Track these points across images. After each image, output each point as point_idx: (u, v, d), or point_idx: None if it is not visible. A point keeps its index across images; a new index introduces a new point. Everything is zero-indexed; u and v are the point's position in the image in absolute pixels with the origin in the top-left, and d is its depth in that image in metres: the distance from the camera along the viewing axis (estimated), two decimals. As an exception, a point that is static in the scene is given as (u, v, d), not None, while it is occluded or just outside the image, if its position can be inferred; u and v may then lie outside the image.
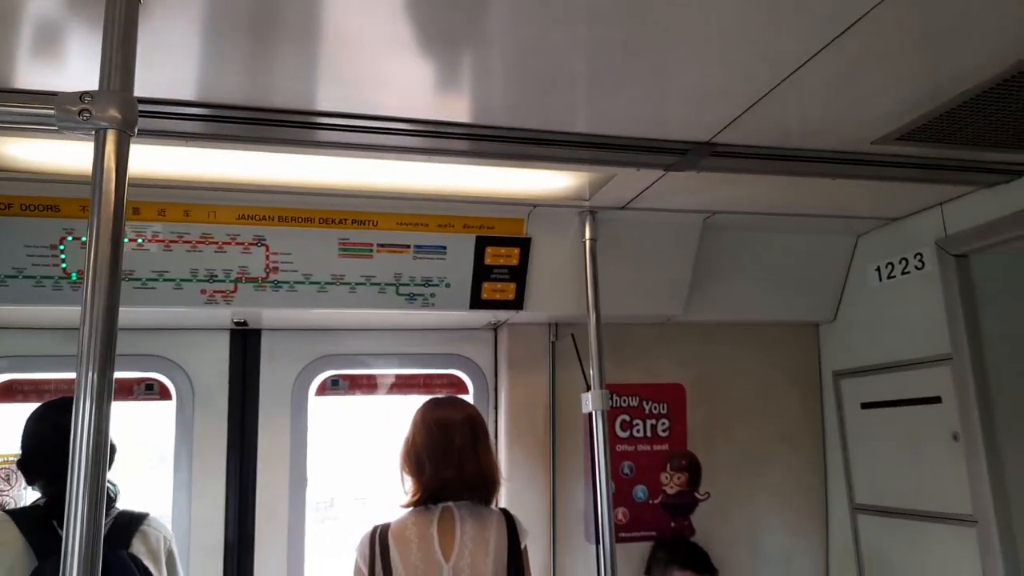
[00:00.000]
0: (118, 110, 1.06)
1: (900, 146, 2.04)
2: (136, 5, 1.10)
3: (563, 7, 1.34)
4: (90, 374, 1.02)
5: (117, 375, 2.83)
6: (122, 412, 2.79)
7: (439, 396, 2.44)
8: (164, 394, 2.78)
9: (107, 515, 2.01)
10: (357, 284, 2.45)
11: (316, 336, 2.90)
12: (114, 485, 2.08)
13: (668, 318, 2.95)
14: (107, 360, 1.04)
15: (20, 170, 2.01)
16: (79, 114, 1.04)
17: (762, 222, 2.75)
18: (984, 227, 2.40)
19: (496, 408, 3.00)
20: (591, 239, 2.52)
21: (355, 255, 2.42)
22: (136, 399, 2.77)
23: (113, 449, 2.09)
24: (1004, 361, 2.48)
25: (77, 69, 1.48)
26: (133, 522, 2.04)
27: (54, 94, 1.05)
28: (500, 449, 2.92)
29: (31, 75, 1.52)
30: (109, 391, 1.04)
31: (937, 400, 2.59)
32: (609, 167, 2.14)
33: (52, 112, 1.04)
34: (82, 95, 1.04)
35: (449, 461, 2.24)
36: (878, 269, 2.88)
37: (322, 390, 2.92)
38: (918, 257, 2.67)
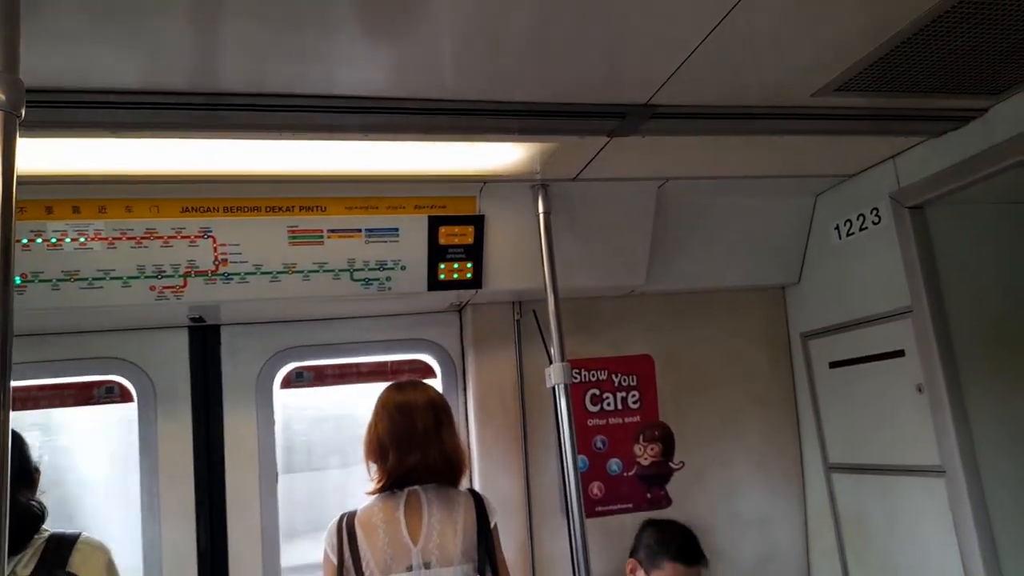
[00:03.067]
0: (2, 91, 1.02)
1: (841, 97, 2.03)
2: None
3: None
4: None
5: (77, 379, 2.78)
6: (84, 417, 2.76)
7: (400, 381, 2.42)
8: (125, 397, 2.74)
9: (37, 537, 1.98)
10: (310, 272, 2.42)
11: (277, 329, 2.86)
12: (40, 504, 2.04)
13: (631, 289, 2.93)
14: (3, 367, 0.98)
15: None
16: (-41, 95, 1.00)
17: (718, 186, 2.74)
18: (935, 176, 2.39)
19: (465, 391, 2.98)
20: (544, 212, 2.50)
21: (306, 242, 2.39)
22: (97, 403, 2.73)
23: (36, 471, 2.06)
24: (965, 311, 2.48)
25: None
26: (65, 543, 2.00)
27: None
28: (471, 431, 2.90)
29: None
30: (6, 402, 0.98)
31: (901, 354, 2.58)
32: (554, 136, 2.11)
33: (-73, 94, 1.01)
34: (-38, 77, 1.00)
35: (413, 446, 2.23)
36: (837, 227, 2.87)
37: (287, 383, 2.89)
38: (874, 212, 2.66)
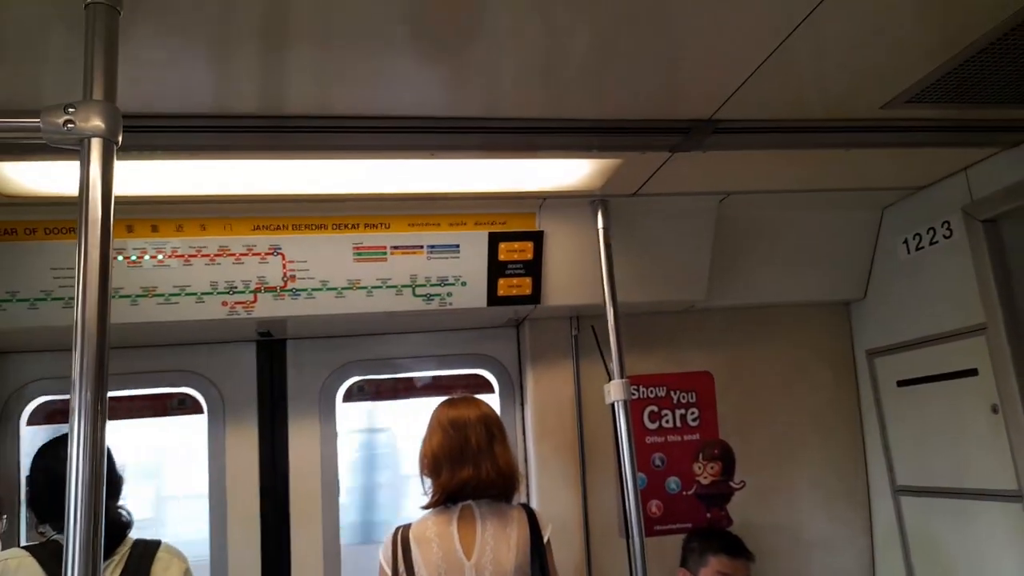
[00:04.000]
0: (101, 119, 1.08)
1: (912, 109, 1.98)
2: (116, 15, 1.13)
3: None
4: (84, 394, 0.98)
5: (151, 391, 2.89)
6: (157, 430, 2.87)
7: (454, 396, 2.45)
8: (196, 408, 2.83)
9: (123, 544, 2.05)
10: (374, 287, 2.47)
11: (340, 343, 2.93)
12: (128, 512, 2.11)
13: (691, 304, 2.91)
14: (100, 380, 1.00)
15: (41, 196, 2.08)
16: (63, 125, 1.06)
17: (781, 200, 2.70)
18: (1010, 189, 2.31)
19: (523, 405, 2.99)
20: (604, 228, 2.50)
21: (370, 259, 2.44)
22: (169, 414, 2.83)
23: (120, 479, 2.13)
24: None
25: (60, 84, 1.52)
26: (148, 551, 2.07)
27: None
28: (529, 446, 2.91)
29: (18, 94, 1.57)
30: (103, 412, 0.99)
31: (974, 372, 2.49)
32: (615, 152, 2.12)
33: (38, 124, 1.07)
34: (66, 106, 1.07)
35: (466, 460, 2.25)
36: (906, 241, 2.79)
37: (349, 396, 2.95)
38: (945, 226, 2.58)
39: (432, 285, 2.52)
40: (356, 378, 2.95)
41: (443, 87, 1.72)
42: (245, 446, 2.79)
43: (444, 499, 2.26)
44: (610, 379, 2.45)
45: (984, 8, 1.54)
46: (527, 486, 2.87)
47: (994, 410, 2.41)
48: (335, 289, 2.45)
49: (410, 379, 3.04)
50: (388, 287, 2.48)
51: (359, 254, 2.43)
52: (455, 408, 2.34)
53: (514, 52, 1.58)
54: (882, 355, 2.97)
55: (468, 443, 2.26)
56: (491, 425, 2.33)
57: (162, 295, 2.34)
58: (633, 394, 2.90)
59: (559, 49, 1.58)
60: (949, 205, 2.55)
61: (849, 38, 1.61)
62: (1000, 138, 2.24)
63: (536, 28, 1.49)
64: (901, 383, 2.87)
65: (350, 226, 2.41)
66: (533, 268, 2.57)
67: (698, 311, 2.99)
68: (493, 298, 2.58)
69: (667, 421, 2.98)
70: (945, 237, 2.59)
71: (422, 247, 2.47)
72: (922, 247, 2.72)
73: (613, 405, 2.40)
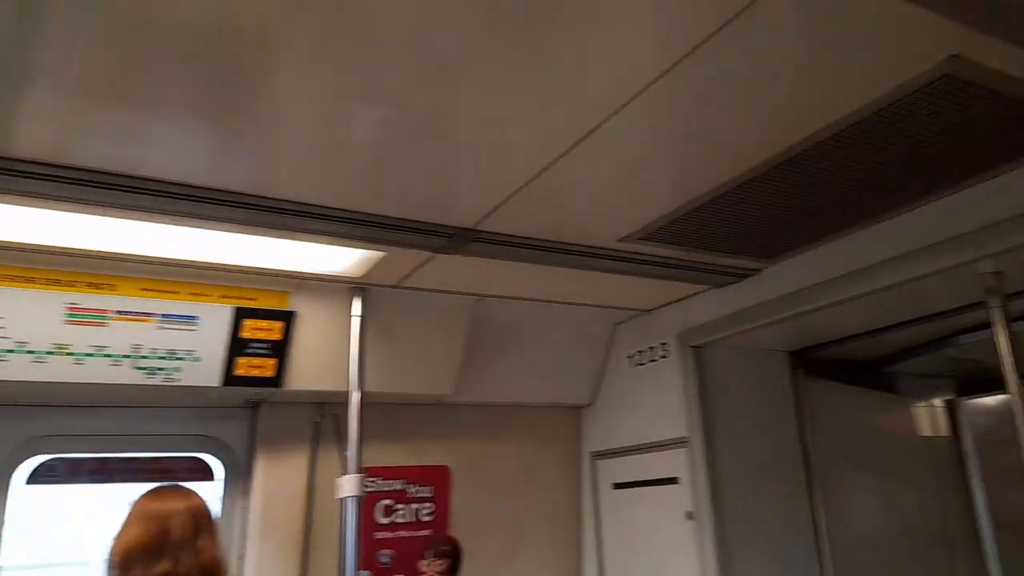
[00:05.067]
0: None
1: (644, 245, 2.25)
2: None
3: (350, 83, 1.34)
4: None
5: None
6: None
7: (161, 485, 2.18)
8: None
9: None
10: (85, 355, 2.16)
11: (28, 413, 2.48)
12: None
13: (439, 398, 2.93)
14: None
15: None
16: None
17: (530, 308, 2.87)
18: (715, 322, 2.70)
19: (248, 495, 2.75)
20: (360, 316, 2.46)
21: (86, 322, 2.14)
22: None
23: None
24: (731, 444, 2.75)
25: None
26: None
27: None
28: (249, 541, 2.66)
29: None
30: None
31: (675, 481, 2.79)
32: (381, 245, 2.12)
33: None
34: None
35: (164, 554, 1.99)
36: (631, 356, 3.11)
37: (35, 478, 2.49)
38: (664, 346, 2.92)
39: (159, 357, 2.26)
40: (46, 456, 2.51)
41: (204, 155, 1.60)
42: None
43: (130, 602, 1.96)
44: (345, 472, 2.35)
45: (708, 172, 1.82)
46: (243, 586, 2.61)
47: (689, 516, 2.70)
48: (35, 352, 2.09)
49: (117, 460, 2.65)
50: (104, 355, 2.18)
51: (73, 315, 2.12)
52: (159, 498, 2.07)
53: (291, 134, 1.53)
54: (603, 458, 3.22)
55: (168, 535, 2.00)
56: (199, 516, 2.09)
57: None
58: (369, 487, 2.81)
59: (338, 141, 1.56)
60: (668, 329, 2.90)
61: (597, 178, 1.80)
62: (711, 279, 2.62)
63: (316, 116, 1.46)
64: (617, 485, 3.12)
65: (66, 283, 2.10)
66: (280, 349, 2.43)
67: (445, 405, 3.03)
68: (229, 377, 2.38)
69: (401, 516, 2.92)
70: (663, 357, 2.93)
71: (153, 315, 2.22)
72: (643, 363, 3.04)
73: (343, 500, 2.30)
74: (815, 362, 3.05)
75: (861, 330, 2.78)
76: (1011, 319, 2.04)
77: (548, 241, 2.18)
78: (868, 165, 1.79)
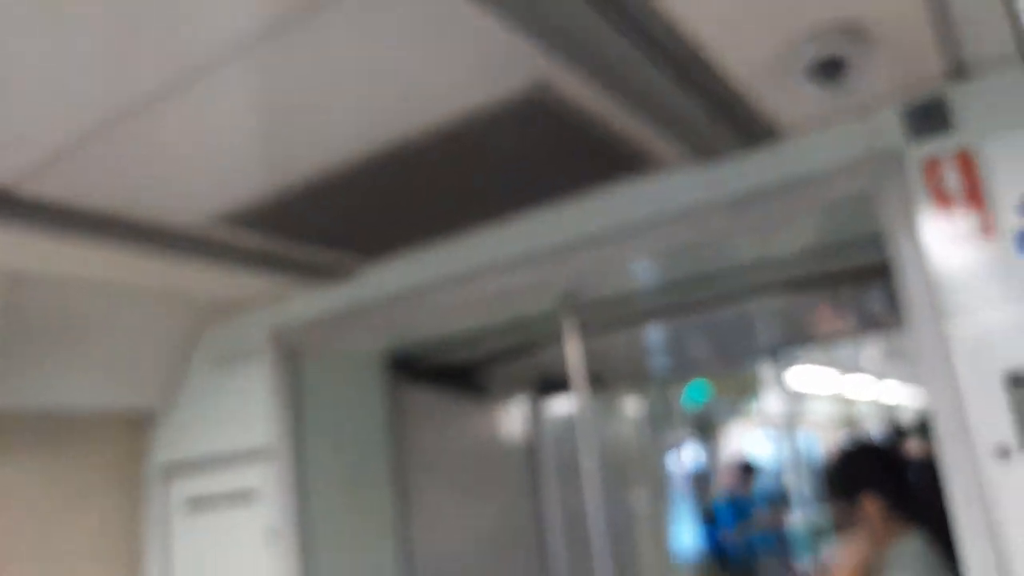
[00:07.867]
0: None
1: (234, 231, 2.01)
2: None
3: None
4: None
5: None
6: None
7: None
8: None
9: None
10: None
11: None
12: None
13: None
14: None
15: None
16: None
17: (90, 295, 2.38)
18: (308, 323, 2.56)
19: None
20: None
21: None
22: None
23: None
24: (319, 455, 2.63)
25: None
26: None
27: None
28: None
29: None
30: None
31: (258, 495, 2.57)
32: None
33: None
34: None
35: None
36: (217, 357, 2.79)
37: None
38: (254, 347, 2.68)
39: None
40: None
41: None
42: None
43: None
44: None
45: (306, 157, 1.67)
46: None
47: (272, 533, 2.50)
48: None
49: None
50: None
51: None
52: None
53: None
54: (178, 475, 2.83)
55: None
56: None
57: None
58: None
59: None
60: (259, 329, 2.67)
61: (183, 147, 1.54)
62: (308, 276, 2.47)
63: None
64: (192, 504, 2.76)
65: None
66: None
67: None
68: None
69: None
70: (252, 358, 2.68)
71: None
72: (232, 364, 2.74)
73: None
74: (413, 368, 3.10)
75: (457, 337, 2.91)
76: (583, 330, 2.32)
77: (116, 216, 1.81)
78: (463, 175, 1.85)
